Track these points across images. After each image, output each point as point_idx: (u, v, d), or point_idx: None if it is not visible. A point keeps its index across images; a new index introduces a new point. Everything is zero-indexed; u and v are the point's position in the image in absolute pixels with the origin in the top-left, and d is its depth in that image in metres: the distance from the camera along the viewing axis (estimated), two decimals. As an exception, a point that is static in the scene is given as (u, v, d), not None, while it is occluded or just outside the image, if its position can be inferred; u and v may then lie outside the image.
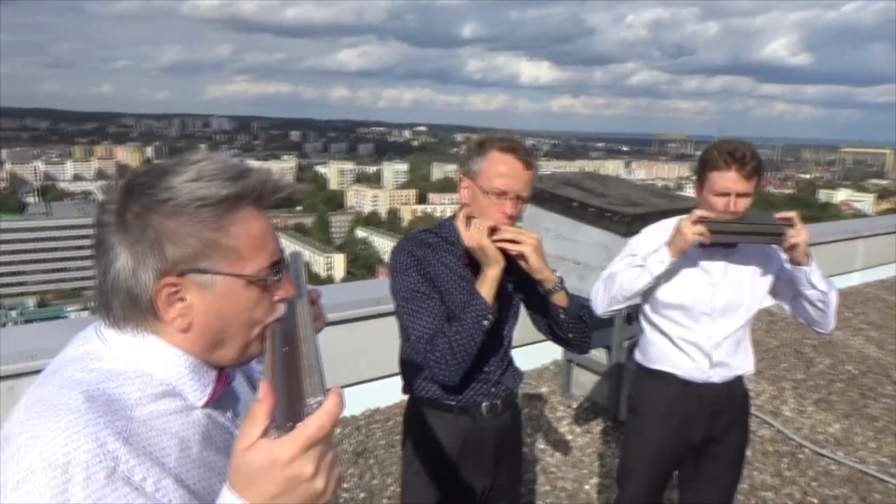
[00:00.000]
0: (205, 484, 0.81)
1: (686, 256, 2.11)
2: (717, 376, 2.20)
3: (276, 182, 0.85)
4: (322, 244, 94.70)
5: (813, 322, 2.17)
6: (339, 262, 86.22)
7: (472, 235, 1.67)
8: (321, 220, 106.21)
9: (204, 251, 0.80)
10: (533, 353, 4.57)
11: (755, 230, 2.02)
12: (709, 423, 2.22)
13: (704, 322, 2.17)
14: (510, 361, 1.95)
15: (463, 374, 1.71)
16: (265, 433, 0.64)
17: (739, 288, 2.17)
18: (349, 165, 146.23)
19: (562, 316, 1.79)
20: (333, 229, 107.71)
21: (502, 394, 1.89)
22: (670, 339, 2.22)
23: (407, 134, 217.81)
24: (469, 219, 1.71)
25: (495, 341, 1.87)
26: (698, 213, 2.04)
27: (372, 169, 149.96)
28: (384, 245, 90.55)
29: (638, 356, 2.35)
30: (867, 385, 4.81)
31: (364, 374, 4.00)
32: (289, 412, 0.65)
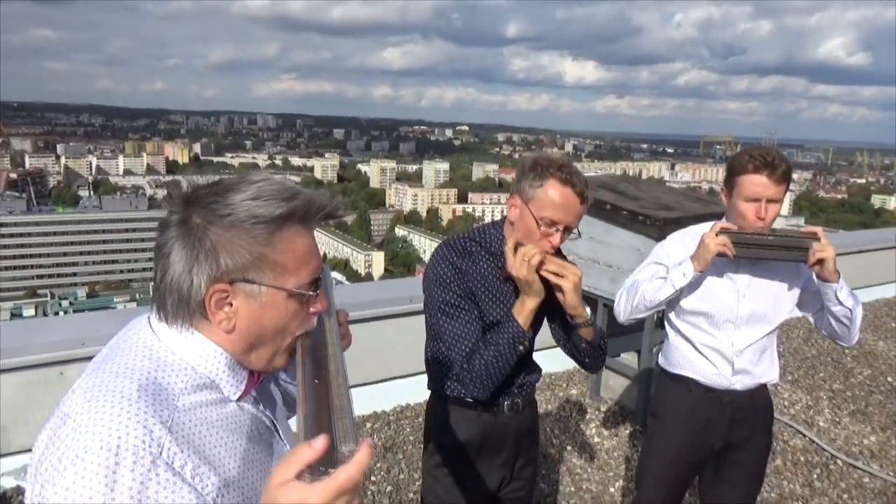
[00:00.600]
0: (238, 470, 0.91)
1: (713, 265, 2.12)
2: (740, 384, 2.20)
3: (321, 203, 0.94)
4: (362, 242, 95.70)
5: (836, 336, 2.16)
6: (378, 260, 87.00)
7: (520, 268, 1.69)
8: (362, 217, 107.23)
9: (254, 263, 0.89)
10: (562, 356, 4.55)
11: (780, 244, 2.00)
12: (730, 430, 2.22)
13: (728, 329, 2.17)
14: (531, 361, 2.00)
15: (493, 390, 1.80)
16: (300, 475, 0.69)
17: (765, 297, 2.16)
18: (391, 164, 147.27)
19: (583, 345, 1.84)
20: (374, 227, 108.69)
21: (523, 392, 1.95)
22: (693, 345, 2.23)
23: (448, 133, 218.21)
24: (518, 246, 1.73)
25: (532, 359, 1.94)
26: (720, 225, 2.05)
27: (413, 167, 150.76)
28: (423, 244, 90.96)
29: (661, 360, 2.38)
30: (908, 398, 4.69)
31: (395, 371, 4.09)
32: (323, 456, 0.70)
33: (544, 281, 1.74)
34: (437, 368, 1.94)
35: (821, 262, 1.96)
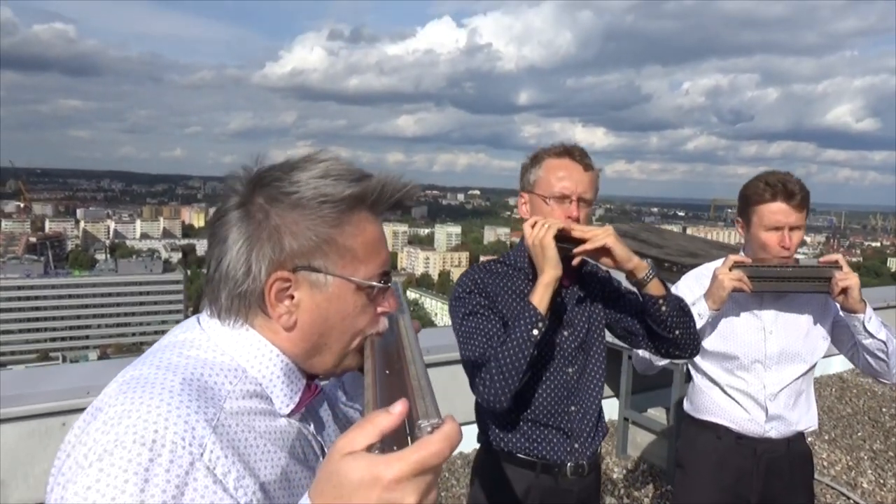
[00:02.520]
0: (284, 493, 0.78)
1: (733, 301, 1.98)
2: (775, 431, 2.01)
3: (395, 186, 0.84)
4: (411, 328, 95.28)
5: (875, 373, 1.99)
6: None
7: (536, 233, 1.55)
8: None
9: (321, 247, 0.79)
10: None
11: (799, 275, 1.87)
12: (766, 484, 2.01)
13: (757, 371, 2.00)
14: (599, 412, 1.78)
15: (510, 395, 1.54)
16: (370, 448, 0.57)
17: (794, 334, 2.00)
18: (402, 227, 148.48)
19: (663, 308, 1.59)
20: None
21: (587, 452, 1.72)
22: (721, 388, 2.05)
23: (461, 197, 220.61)
24: (536, 220, 1.60)
25: (584, 386, 1.72)
26: (734, 257, 1.91)
27: (425, 231, 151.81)
28: (435, 307, 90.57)
29: (687, 406, 2.19)
30: (955, 458, 4.41)
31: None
32: (400, 427, 0.58)
33: (580, 277, 1.61)
34: (486, 415, 1.74)
35: (845, 291, 1.83)
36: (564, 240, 1.56)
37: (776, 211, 1.88)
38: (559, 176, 1.63)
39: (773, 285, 1.89)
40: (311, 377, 0.88)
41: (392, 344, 0.83)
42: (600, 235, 1.54)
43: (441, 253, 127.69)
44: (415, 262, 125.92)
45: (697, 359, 2.10)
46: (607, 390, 4.52)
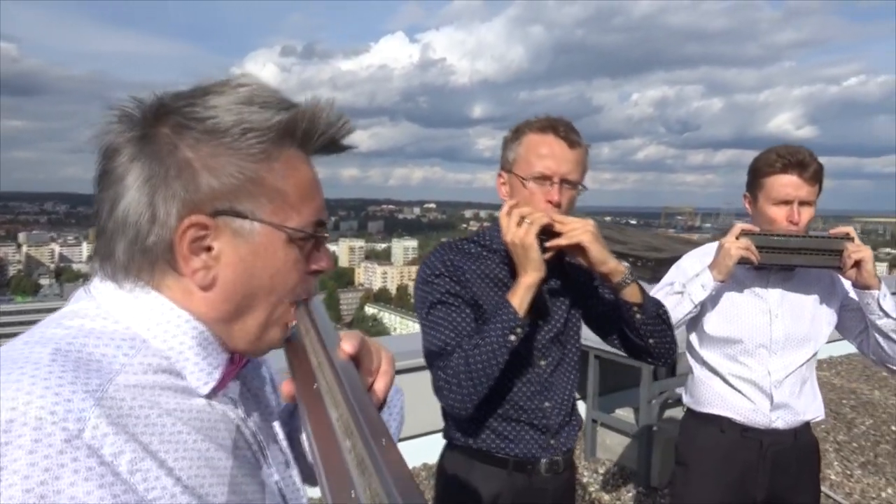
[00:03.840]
0: (199, 481, 0.62)
1: (737, 281, 1.89)
2: (781, 421, 1.89)
3: (327, 117, 0.69)
4: (332, 321, 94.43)
5: (887, 358, 1.87)
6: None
7: (516, 231, 1.39)
8: (331, 297, 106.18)
9: (245, 187, 0.65)
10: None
11: (809, 246, 1.77)
12: (773, 478, 1.90)
13: (762, 356, 1.89)
14: (572, 406, 1.65)
15: (476, 402, 1.42)
16: None
17: (800, 317, 1.90)
18: (359, 243, 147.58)
19: (637, 316, 1.48)
20: (343, 306, 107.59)
21: (563, 448, 1.60)
22: (723, 378, 1.94)
23: (416, 211, 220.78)
24: (515, 211, 1.43)
25: (558, 380, 1.59)
26: (741, 225, 1.82)
27: (381, 246, 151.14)
28: (393, 321, 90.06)
29: (686, 399, 2.07)
30: (916, 446, 4.45)
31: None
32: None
33: (563, 270, 1.47)
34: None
35: (857, 264, 1.73)
36: (544, 231, 1.41)
37: (786, 183, 1.77)
38: (540, 154, 1.46)
39: (782, 257, 1.79)
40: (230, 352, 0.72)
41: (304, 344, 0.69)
42: (577, 231, 1.39)
43: (398, 267, 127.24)
44: (372, 277, 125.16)
45: (697, 347, 1.99)
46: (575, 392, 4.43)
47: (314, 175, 0.72)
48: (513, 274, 1.48)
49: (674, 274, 2.01)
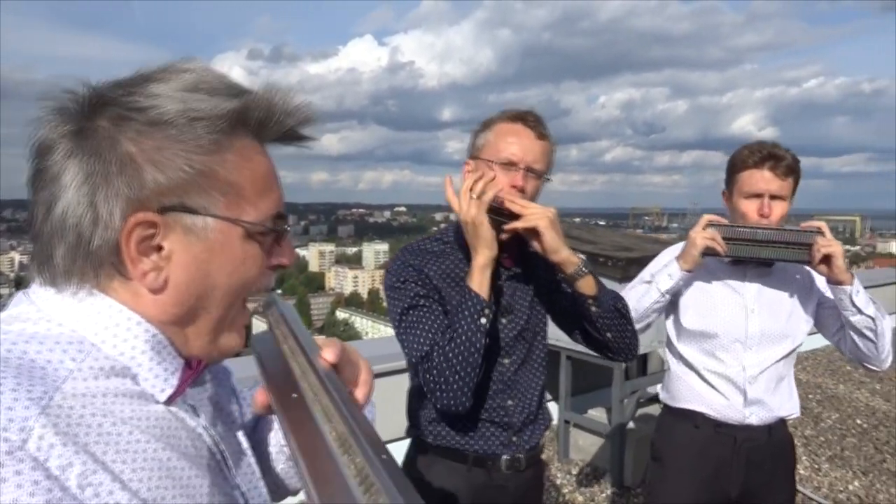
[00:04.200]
0: (160, 493, 0.57)
1: (714, 276, 1.90)
2: (755, 417, 1.90)
3: (285, 104, 0.64)
4: (305, 327, 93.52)
5: (863, 357, 1.87)
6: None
7: (468, 208, 1.38)
8: (301, 302, 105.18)
9: (196, 181, 0.60)
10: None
11: (777, 238, 1.76)
12: (747, 474, 1.91)
13: (737, 351, 1.89)
14: (539, 405, 1.64)
15: (470, 394, 1.40)
16: None
17: (777, 313, 1.90)
18: (329, 247, 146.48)
19: (593, 309, 1.47)
20: (314, 311, 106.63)
21: (526, 446, 1.58)
22: (698, 373, 1.94)
23: (387, 214, 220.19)
24: (475, 184, 1.41)
25: (522, 379, 1.58)
26: (708, 217, 1.83)
27: (352, 250, 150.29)
28: (365, 326, 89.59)
29: (663, 395, 2.07)
30: (881, 439, 4.53)
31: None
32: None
33: (526, 257, 1.46)
34: (416, 407, 1.58)
35: (827, 259, 1.72)
36: (500, 213, 1.40)
37: (758, 178, 1.78)
38: (508, 141, 1.47)
39: (750, 250, 1.79)
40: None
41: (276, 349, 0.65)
42: (535, 215, 1.38)
43: (370, 271, 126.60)
44: (343, 281, 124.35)
45: (674, 342, 1.99)
46: (546, 394, 4.41)
47: (271, 166, 0.67)
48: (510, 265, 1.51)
49: (650, 267, 2.01)
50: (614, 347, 1.54)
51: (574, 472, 3.96)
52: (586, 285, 1.45)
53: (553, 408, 4.30)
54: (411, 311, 1.48)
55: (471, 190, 1.39)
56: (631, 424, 3.81)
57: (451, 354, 1.38)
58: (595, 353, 1.63)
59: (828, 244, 1.72)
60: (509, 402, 1.56)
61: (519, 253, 1.53)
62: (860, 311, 1.75)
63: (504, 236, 1.43)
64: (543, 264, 1.53)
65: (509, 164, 1.46)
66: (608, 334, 1.51)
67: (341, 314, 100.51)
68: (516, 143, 1.46)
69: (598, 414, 4.03)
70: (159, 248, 0.60)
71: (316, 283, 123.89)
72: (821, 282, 1.91)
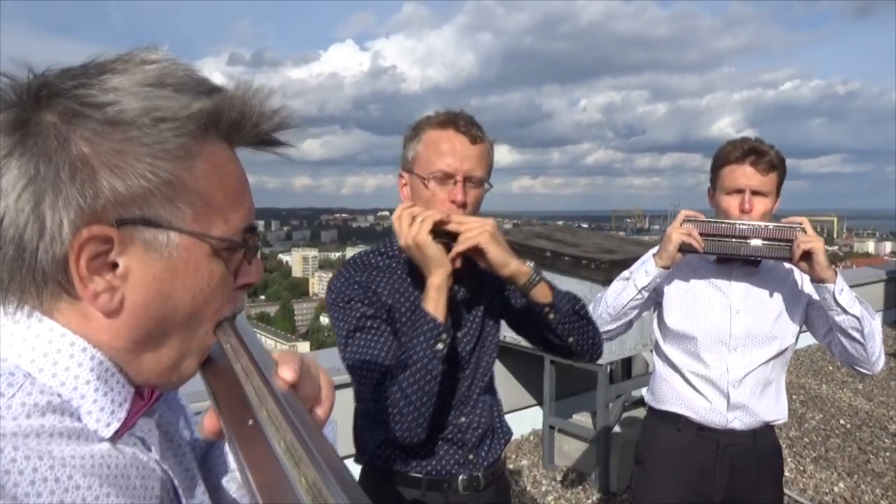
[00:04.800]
0: None
1: (699, 275, 1.86)
2: (739, 422, 1.85)
3: (261, 105, 0.57)
4: (286, 332, 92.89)
5: (852, 360, 1.79)
6: (304, 351, 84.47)
7: (408, 232, 1.30)
8: (285, 308, 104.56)
9: (160, 191, 0.52)
10: (511, 423, 4.19)
11: (756, 234, 1.72)
12: (731, 480, 1.86)
13: (721, 353, 1.84)
14: (496, 418, 1.56)
15: (426, 424, 1.33)
16: None
17: (763, 314, 1.84)
18: (312, 252, 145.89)
19: (551, 316, 1.40)
20: (297, 317, 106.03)
21: (484, 463, 1.50)
22: (682, 375, 1.89)
23: (371, 219, 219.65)
24: (405, 213, 1.35)
25: (472, 387, 1.51)
26: (685, 212, 1.78)
27: (336, 255, 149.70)
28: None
29: (647, 396, 2.03)
30: (865, 439, 4.53)
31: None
32: None
33: (473, 268, 1.38)
34: (363, 432, 1.50)
35: (808, 255, 1.66)
36: (442, 234, 1.32)
37: (738, 173, 1.74)
38: (440, 151, 1.37)
39: (728, 246, 1.74)
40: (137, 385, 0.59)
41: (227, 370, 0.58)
42: (473, 232, 1.31)
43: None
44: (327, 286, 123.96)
45: (660, 342, 1.94)
46: (530, 398, 4.35)
47: (243, 173, 0.60)
48: (423, 278, 1.41)
49: (632, 267, 1.95)
50: (578, 351, 1.49)
51: (559, 478, 3.90)
52: (541, 293, 1.39)
53: (537, 413, 4.25)
54: (358, 334, 1.39)
55: (410, 216, 1.32)
56: (616, 428, 3.76)
57: (405, 384, 1.29)
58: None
59: (808, 240, 1.67)
60: (462, 419, 1.49)
61: (468, 266, 1.44)
62: (845, 311, 1.69)
63: (458, 264, 1.36)
64: (494, 278, 1.47)
65: (445, 178, 1.37)
66: (570, 339, 1.46)
67: (325, 319, 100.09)
68: (450, 154, 1.37)
69: (582, 419, 3.98)
70: (114, 266, 0.53)
71: (300, 289, 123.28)
72: (809, 281, 1.87)
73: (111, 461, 0.54)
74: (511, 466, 4.04)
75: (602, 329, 1.84)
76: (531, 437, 4.42)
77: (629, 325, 1.92)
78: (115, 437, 0.55)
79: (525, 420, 4.35)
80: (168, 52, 0.56)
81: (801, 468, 4.10)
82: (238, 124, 0.57)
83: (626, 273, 1.89)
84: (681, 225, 1.75)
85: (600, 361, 3.52)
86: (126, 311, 0.54)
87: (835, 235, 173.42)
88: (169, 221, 0.53)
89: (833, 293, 1.68)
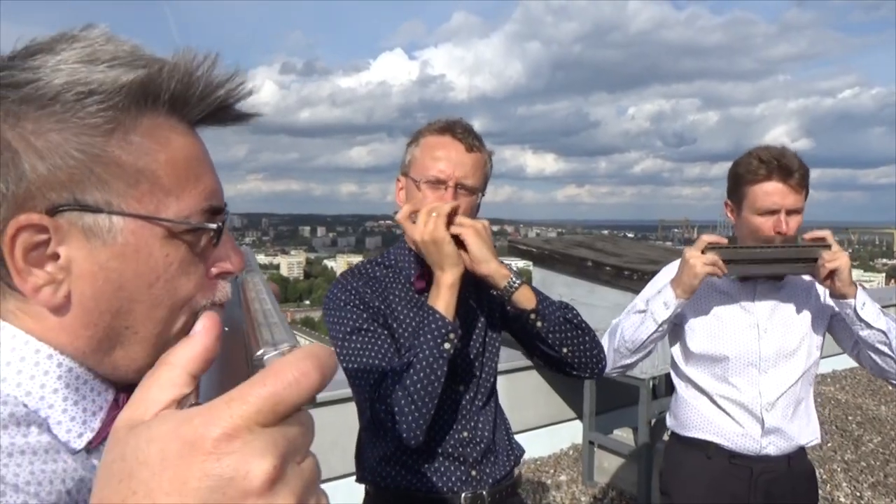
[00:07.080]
0: None
1: (721, 294, 1.75)
2: (773, 447, 1.74)
3: (207, 74, 0.53)
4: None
5: (884, 373, 1.71)
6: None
7: (425, 228, 1.26)
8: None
9: (91, 170, 0.48)
10: (549, 436, 4.11)
11: (780, 256, 1.63)
12: None
13: (751, 375, 1.73)
14: (502, 434, 1.50)
15: (426, 427, 1.27)
16: (179, 404, 0.35)
17: (791, 331, 1.75)
18: (357, 258, 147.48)
19: (538, 324, 1.34)
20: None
21: (489, 480, 1.43)
22: (710, 399, 1.78)
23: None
24: (415, 213, 1.33)
25: (478, 407, 1.45)
26: (706, 238, 1.66)
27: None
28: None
29: (670, 421, 1.92)
30: (927, 465, 4.27)
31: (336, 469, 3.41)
32: (224, 380, 0.42)
33: (474, 283, 1.35)
34: (365, 448, 1.45)
35: (833, 273, 1.57)
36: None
37: (771, 192, 1.63)
38: (435, 156, 1.36)
39: (751, 269, 1.66)
40: (126, 386, 0.55)
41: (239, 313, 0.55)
42: (465, 228, 1.29)
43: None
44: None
45: (682, 364, 1.83)
46: (569, 412, 4.24)
47: (198, 148, 0.55)
48: (423, 289, 1.39)
49: (647, 290, 1.85)
50: (575, 363, 1.41)
51: (599, 495, 3.79)
52: (524, 298, 1.33)
53: (577, 427, 4.14)
54: (355, 336, 1.35)
55: (427, 212, 1.30)
56: (658, 446, 3.63)
57: (408, 382, 1.24)
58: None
59: (833, 258, 1.57)
60: (465, 434, 1.43)
61: (468, 277, 1.38)
62: (869, 326, 1.60)
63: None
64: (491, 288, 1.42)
65: (437, 183, 1.36)
66: (564, 350, 1.38)
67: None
68: (444, 159, 1.36)
69: (623, 434, 3.85)
70: (55, 256, 0.48)
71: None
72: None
73: (80, 475, 0.49)
74: (549, 481, 3.94)
75: (621, 363, 1.78)
76: (570, 452, 4.30)
77: (650, 353, 1.82)
78: (90, 447, 0.51)
79: (564, 433, 4.25)
80: (105, 29, 0.52)
81: (858, 494, 3.88)
82: (182, 94, 0.52)
83: (640, 304, 1.78)
84: (703, 252, 1.64)
85: (642, 376, 3.41)
86: (75, 305, 0.50)
87: (894, 248, 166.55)
88: (109, 204, 0.49)
89: (854, 308, 1.60)
